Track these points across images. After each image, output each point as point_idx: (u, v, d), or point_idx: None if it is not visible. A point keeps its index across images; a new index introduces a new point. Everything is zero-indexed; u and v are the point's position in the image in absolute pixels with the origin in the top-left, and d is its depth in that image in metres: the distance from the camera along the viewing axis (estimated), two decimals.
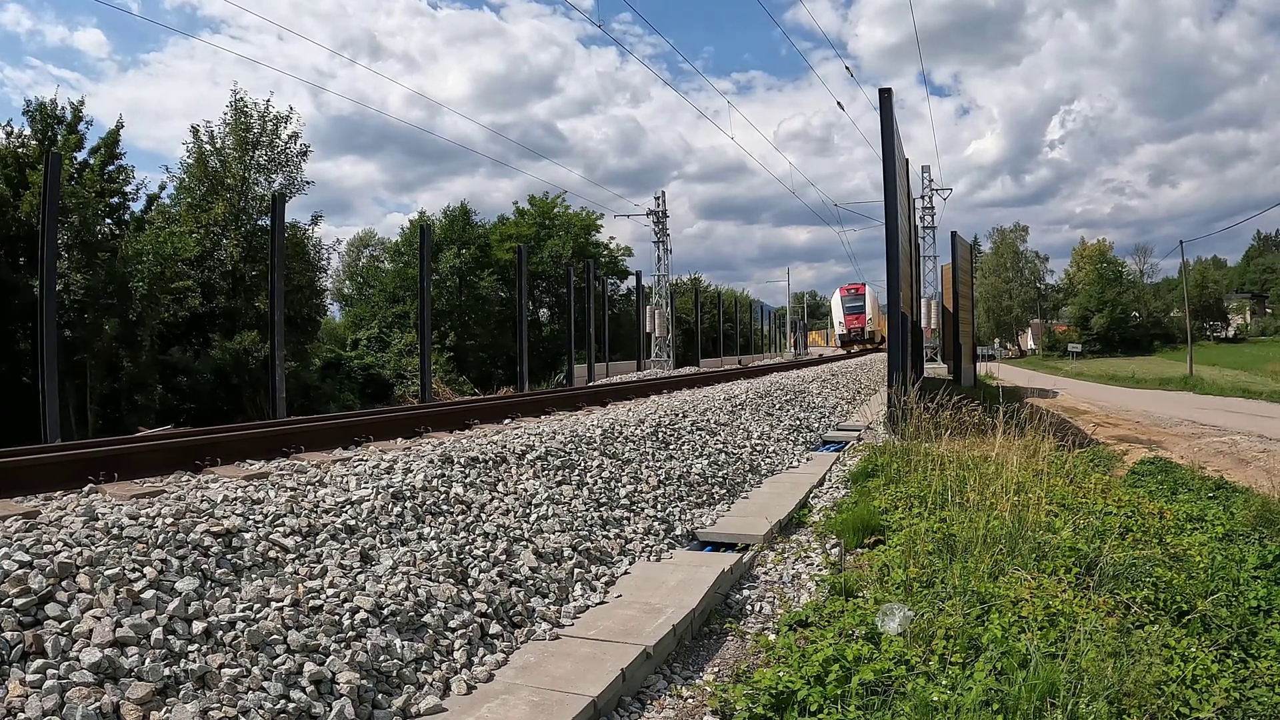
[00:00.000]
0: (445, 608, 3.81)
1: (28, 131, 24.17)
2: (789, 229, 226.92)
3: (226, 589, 3.35)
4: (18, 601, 2.84)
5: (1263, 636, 4.35)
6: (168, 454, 5.63)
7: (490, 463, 5.78)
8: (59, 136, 24.31)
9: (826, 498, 7.50)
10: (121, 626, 2.86)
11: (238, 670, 2.92)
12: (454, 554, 4.32)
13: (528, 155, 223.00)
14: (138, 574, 3.17)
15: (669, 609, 4.29)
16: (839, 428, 12.20)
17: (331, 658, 3.16)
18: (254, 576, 3.51)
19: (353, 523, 4.26)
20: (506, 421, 8.88)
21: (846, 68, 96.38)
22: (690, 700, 3.64)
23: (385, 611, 3.57)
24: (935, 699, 3.08)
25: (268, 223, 24.86)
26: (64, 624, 2.84)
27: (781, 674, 3.39)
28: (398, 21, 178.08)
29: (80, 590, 3.00)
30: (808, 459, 9.61)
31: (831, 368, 23.09)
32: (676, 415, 9.12)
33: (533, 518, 5.21)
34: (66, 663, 2.67)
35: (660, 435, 8.07)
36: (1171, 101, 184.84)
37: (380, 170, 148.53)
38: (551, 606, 4.30)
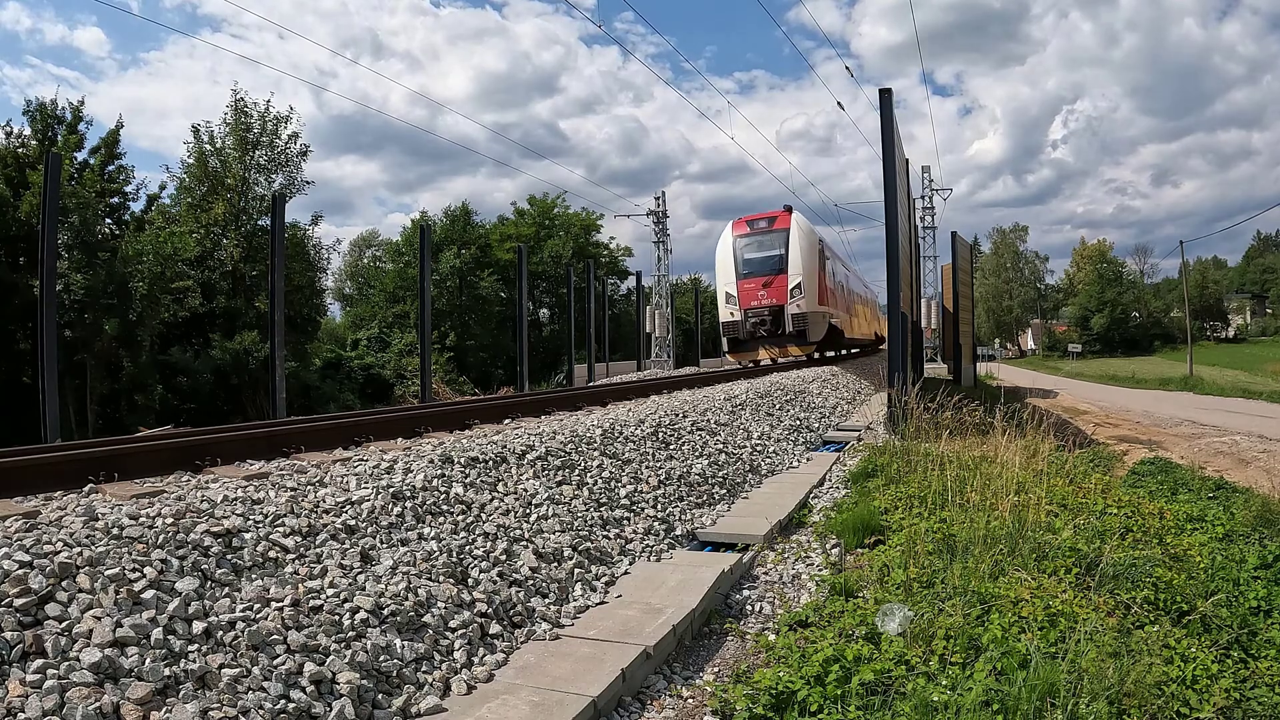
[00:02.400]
0: (445, 608, 3.81)
1: (28, 131, 24.22)
2: None
3: (226, 589, 3.34)
4: (18, 601, 2.84)
5: (1263, 636, 4.35)
6: (168, 454, 5.62)
7: (490, 463, 5.78)
8: (59, 136, 24.35)
9: (826, 498, 7.50)
10: (121, 626, 2.86)
11: (238, 670, 2.92)
12: (454, 554, 4.32)
13: (529, 155, 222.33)
14: (138, 574, 3.16)
15: (669, 609, 4.29)
16: (839, 428, 12.20)
17: (331, 658, 3.16)
18: (254, 576, 3.50)
19: (353, 523, 4.25)
20: (506, 421, 8.88)
21: (846, 68, 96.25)
22: (690, 700, 3.64)
23: (385, 611, 3.57)
24: (935, 699, 3.08)
25: (268, 223, 24.88)
26: (64, 624, 2.83)
27: (781, 674, 3.39)
28: (400, 20, 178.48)
29: (80, 590, 3.00)
30: (808, 459, 9.61)
31: (832, 368, 23.06)
32: (676, 415, 9.12)
33: (533, 518, 5.21)
34: (66, 663, 2.67)
35: (660, 435, 8.07)
36: (1174, 101, 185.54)
37: (381, 170, 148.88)
38: (551, 606, 4.30)
